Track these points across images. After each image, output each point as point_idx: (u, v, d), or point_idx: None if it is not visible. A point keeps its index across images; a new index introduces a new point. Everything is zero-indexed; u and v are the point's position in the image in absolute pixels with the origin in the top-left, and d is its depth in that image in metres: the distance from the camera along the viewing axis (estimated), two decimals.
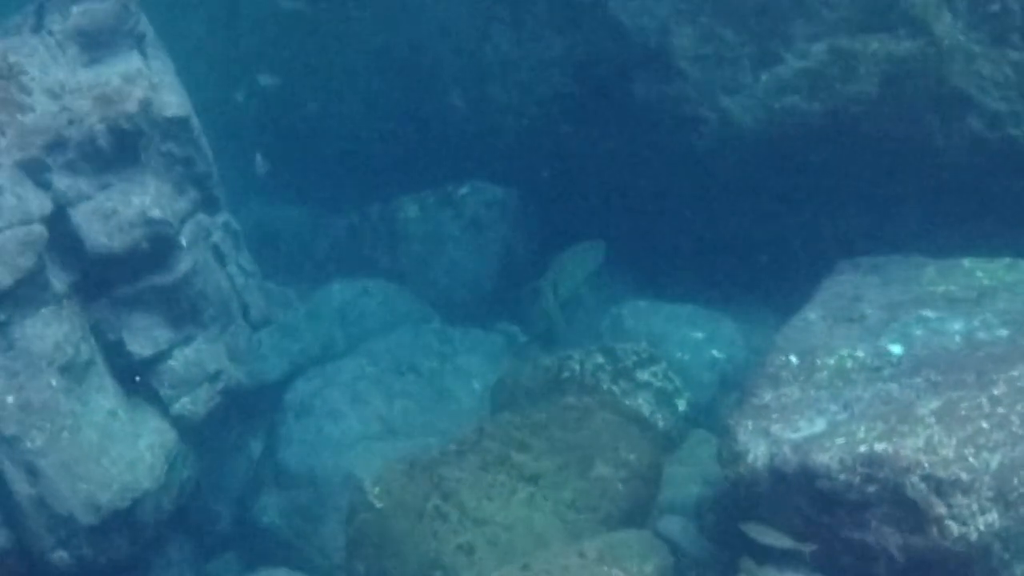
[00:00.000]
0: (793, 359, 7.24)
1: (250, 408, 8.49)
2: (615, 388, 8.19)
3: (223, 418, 8.06)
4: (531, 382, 8.40)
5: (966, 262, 7.99)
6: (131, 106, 7.66)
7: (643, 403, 8.15)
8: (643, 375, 8.27)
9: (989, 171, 8.18)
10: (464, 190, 10.31)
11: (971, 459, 6.04)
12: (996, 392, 6.42)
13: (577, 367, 8.32)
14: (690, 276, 9.52)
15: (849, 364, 7.11)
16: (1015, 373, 6.56)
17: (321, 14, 10.62)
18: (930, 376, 6.80)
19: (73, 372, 7.31)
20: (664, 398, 8.21)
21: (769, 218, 9.12)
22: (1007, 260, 7.93)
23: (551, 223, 10.20)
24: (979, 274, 7.87)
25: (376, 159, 10.71)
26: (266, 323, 8.73)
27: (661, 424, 8.11)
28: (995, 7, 7.91)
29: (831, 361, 7.15)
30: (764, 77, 8.60)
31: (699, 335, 8.96)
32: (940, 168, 8.26)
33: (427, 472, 6.81)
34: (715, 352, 8.89)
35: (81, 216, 7.61)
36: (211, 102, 9.56)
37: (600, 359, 8.33)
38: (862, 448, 6.16)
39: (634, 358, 8.33)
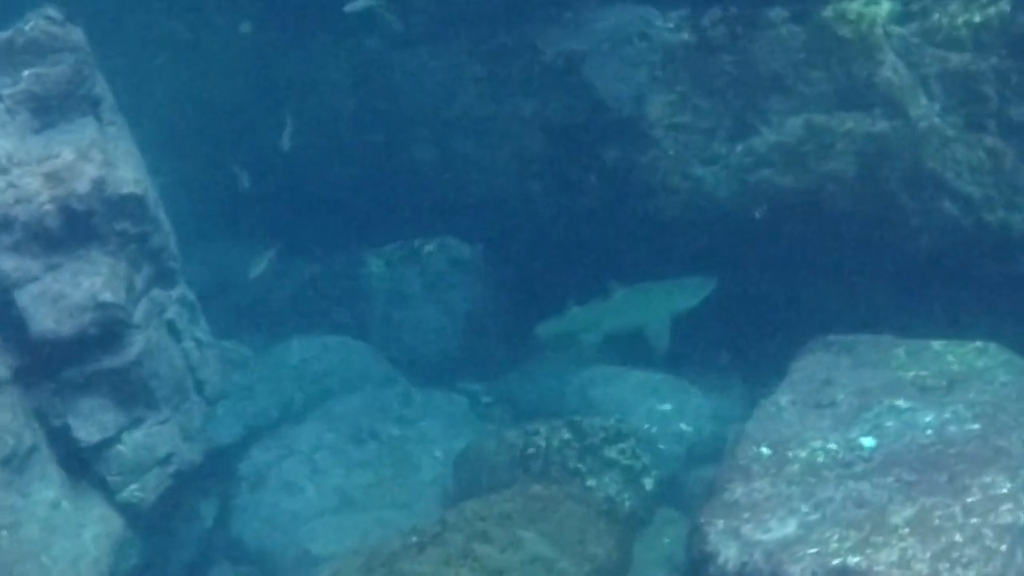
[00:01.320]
0: (764, 450, 7.14)
1: (204, 473, 8.26)
2: (581, 466, 8.05)
3: (175, 500, 7.80)
4: (495, 457, 8.25)
5: (936, 345, 7.92)
6: (83, 186, 7.26)
7: (610, 482, 8.02)
8: (610, 452, 8.13)
9: (962, 254, 8.09)
10: (430, 247, 10.16)
11: (946, 575, 5.93)
12: (970, 500, 6.32)
13: (543, 443, 8.17)
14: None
15: (821, 458, 7.02)
16: (987, 479, 6.47)
17: (292, 60, 10.41)
18: (902, 475, 6.71)
19: (14, 463, 6.94)
20: (631, 477, 8.08)
21: (740, 289, 9.00)
22: (977, 344, 7.87)
23: (519, 283, 10.06)
24: (950, 358, 7.80)
25: (343, 209, 10.52)
26: (222, 396, 8.49)
27: (628, 504, 7.98)
28: (971, 92, 7.81)
29: (803, 454, 7.06)
30: (739, 149, 8.51)
31: (667, 407, 8.85)
32: (914, 249, 8.17)
33: (386, 567, 6.62)
34: (683, 425, 8.78)
35: (27, 299, 7.21)
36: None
37: (567, 435, 8.19)
38: (835, 561, 6.06)
39: (602, 435, 8.19)
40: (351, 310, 10.29)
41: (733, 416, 8.93)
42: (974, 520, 6.18)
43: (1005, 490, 6.37)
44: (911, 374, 7.67)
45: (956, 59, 7.85)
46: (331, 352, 9.84)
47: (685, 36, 8.48)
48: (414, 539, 6.81)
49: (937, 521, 6.20)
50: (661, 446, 8.57)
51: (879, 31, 7.90)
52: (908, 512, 6.30)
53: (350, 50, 10.23)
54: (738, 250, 8.76)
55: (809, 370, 7.88)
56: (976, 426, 7.03)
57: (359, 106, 10.32)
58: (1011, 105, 7.76)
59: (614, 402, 8.92)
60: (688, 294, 8.59)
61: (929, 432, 7.06)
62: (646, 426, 8.70)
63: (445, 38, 9.58)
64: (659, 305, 8.62)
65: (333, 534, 8.07)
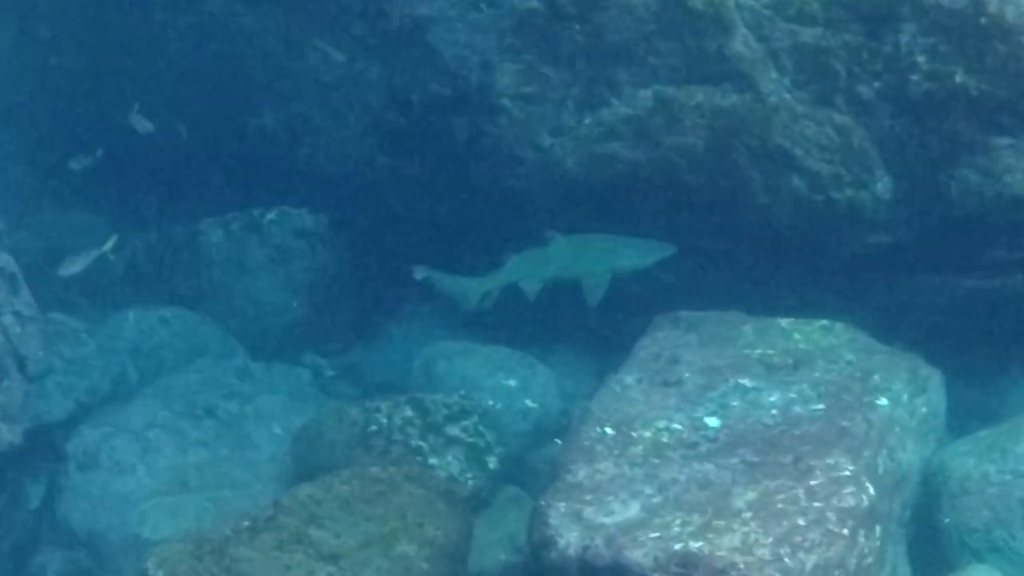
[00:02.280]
0: (608, 431, 7.00)
1: (28, 453, 7.87)
2: (424, 445, 7.87)
3: None
4: (335, 435, 8.02)
5: (783, 322, 7.86)
6: None
7: (452, 461, 7.85)
8: (453, 430, 7.96)
9: (811, 232, 8.03)
10: (271, 216, 9.83)
11: (787, 560, 5.87)
12: (813, 483, 6.26)
13: (385, 420, 7.97)
14: (507, 318, 9.21)
15: (665, 438, 6.90)
16: (831, 461, 6.42)
17: (129, 20, 9.98)
18: (747, 456, 6.63)
19: None
20: (474, 455, 7.92)
21: None
22: (824, 322, 7.82)
23: (365, 254, 9.79)
24: (796, 336, 7.74)
25: (182, 176, 10.14)
26: (47, 373, 8.09)
27: (471, 483, 7.83)
28: (821, 67, 7.74)
29: (647, 434, 6.94)
30: (588, 120, 8.34)
31: (512, 383, 8.68)
32: (763, 226, 8.09)
33: (216, 552, 6.35)
34: (529, 402, 8.63)
35: None
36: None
37: (409, 412, 8.00)
38: (677, 546, 5.93)
39: (445, 412, 8.02)
40: (190, 281, 9.91)
41: (581, 393, 8.82)
42: (817, 503, 6.12)
43: (848, 472, 6.33)
44: (757, 352, 7.60)
45: (807, 33, 7.76)
46: (168, 325, 9.48)
47: (535, 3, 8.25)
48: (246, 523, 6.56)
49: (780, 504, 6.12)
50: (506, 423, 8.38)
51: (731, 3, 7.78)
52: (751, 495, 6.22)
53: (190, 10, 9.81)
54: (588, 223, 8.60)
55: (656, 347, 7.76)
56: (821, 406, 6.98)
57: (199, 69, 9.93)
58: (860, 82, 7.70)
59: (460, 378, 8.71)
60: (637, 254, 8.28)
61: (774, 412, 6.99)
62: (491, 403, 8.52)
63: None
64: (602, 258, 8.31)
65: (165, 517, 7.77)
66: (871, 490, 6.28)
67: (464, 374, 8.73)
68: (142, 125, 9.10)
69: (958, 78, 7.47)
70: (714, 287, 8.36)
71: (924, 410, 7.35)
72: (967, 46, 7.41)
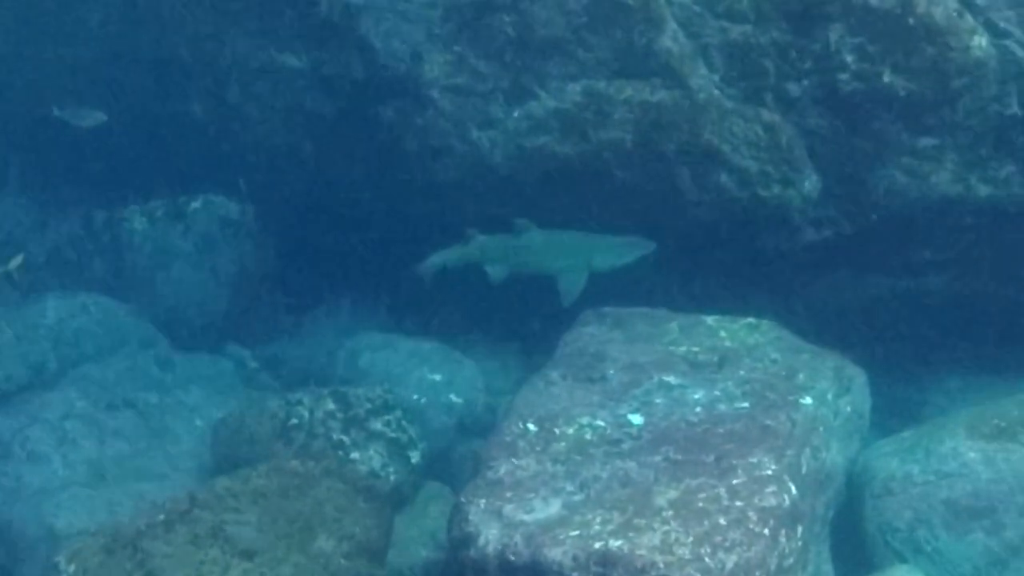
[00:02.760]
0: (531, 427, 6.94)
1: None
2: (345, 439, 7.77)
3: None
4: (256, 428, 7.91)
5: (710, 320, 7.85)
6: None
7: (374, 456, 7.76)
8: (376, 424, 7.87)
9: (738, 229, 8.02)
10: (196, 204, 9.67)
11: (707, 559, 5.83)
12: (735, 482, 6.23)
13: (306, 414, 7.86)
14: (433, 310, 9.14)
15: (588, 435, 6.85)
16: (754, 460, 6.40)
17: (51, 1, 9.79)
18: (670, 454, 6.59)
19: None
20: (397, 450, 7.83)
21: None
22: (750, 320, 7.83)
23: (292, 245, 9.66)
24: (722, 334, 7.73)
25: (105, 162, 9.95)
26: None
27: (392, 479, 7.75)
28: (750, 64, 7.71)
29: (570, 431, 6.89)
30: (517, 113, 8.27)
31: (437, 377, 8.60)
32: (691, 222, 8.06)
33: (129, 547, 6.23)
34: (453, 396, 8.54)
35: None
36: None
37: (331, 405, 7.90)
38: (597, 545, 5.88)
39: (367, 405, 7.92)
40: (112, 269, 9.74)
41: (507, 388, 8.76)
42: (739, 503, 6.10)
43: (770, 471, 6.31)
44: (683, 349, 7.58)
45: (737, 30, 7.74)
46: (89, 313, 9.31)
47: None
48: (161, 517, 6.43)
49: (701, 503, 6.09)
50: (430, 418, 8.30)
51: None
52: (672, 493, 6.18)
53: None
54: (516, 216, 8.52)
55: (581, 343, 7.71)
56: (745, 404, 6.96)
57: (124, 53, 9.75)
58: (789, 80, 7.69)
59: (383, 371, 8.63)
60: (615, 252, 8.03)
61: (698, 410, 6.97)
62: (415, 397, 8.44)
63: None
64: (578, 255, 8.06)
65: (80, 509, 7.59)
66: (793, 490, 6.26)
67: (388, 367, 8.64)
68: (84, 118, 8.90)
69: (886, 78, 7.48)
70: (642, 283, 8.30)
71: (848, 409, 7.35)
72: (895, 46, 7.42)
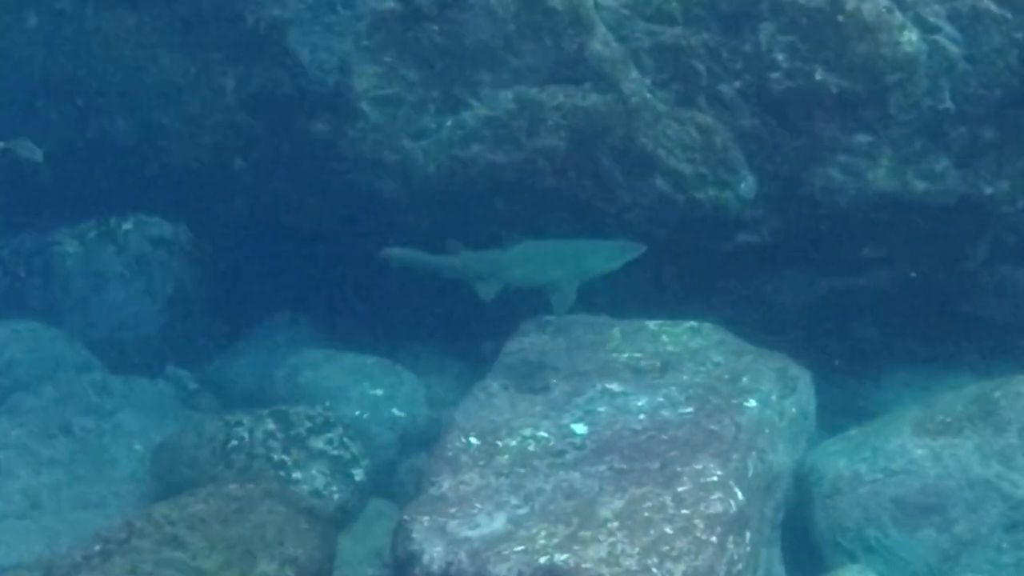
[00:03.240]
0: (473, 440, 6.86)
1: None
2: (287, 459, 7.65)
3: None
4: (196, 451, 7.76)
5: (651, 325, 7.82)
6: None
7: (317, 475, 7.64)
8: (317, 443, 7.75)
9: (676, 233, 7.96)
10: (128, 225, 9.52)
11: (655, 569, 5.78)
12: (680, 489, 6.18)
13: (246, 435, 7.73)
14: (373, 324, 9.04)
15: (531, 447, 6.78)
16: (699, 466, 6.35)
17: None
18: (614, 463, 6.54)
19: None
20: (340, 468, 7.71)
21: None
22: (692, 324, 7.80)
23: (227, 264, 9.52)
24: (664, 339, 7.70)
25: (33, 183, 9.76)
26: None
27: (336, 497, 7.61)
28: (682, 67, 7.66)
29: (513, 443, 6.82)
30: (449, 123, 8.18)
31: (379, 392, 8.50)
32: (628, 227, 7.99)
33: None
34: (396, 411, 8.45)
35: None
36: None
37: (271, 425, 7.77)
38: (542, 559, 5.81)
39: (308, 424, 7.80)
40: (44, 293, 9.55)
41: (449, 400, 8.66)
42: (684, 510, 6.05)
43: (715, 478, 6.26)
44: (625, 356, 7.54)
45: (668, 33, 7.69)
46: (21, 339, 9.14)
47: (391, 4, 8.07)
48: (97, 547, 6.28)
49: (647, 513, 6.03)
50: (373, 434, 8.20)
51: (589, 3, 7.68)
52: (618, 504, 6.12)
53: (39, 9, 9.46)
54: (453, 228, 8.43)
55: (522, 353, 7.65)
56: (689, 410, 6.92)
57: (50, 71, 9.58)
58: (722, 81, 7.65)
59: (324, 387, 8.51)
60: (604, 257, 7.58)
61: (642, 417, 6.92)
62: (357, 412, 8.34)
63: None
64: (568, 264, 7.58)
65: (15, 541, 7.42)
66: (739, 495, 6.21)
67: (329, 384, 8.53)
68: (34, 151, 8.70)
69: (818, 76, 7.45)
70: (582, 289, 8.21)
71: (794, 410, 7.33)
72: (826, 44, 7.39)
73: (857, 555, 7.06)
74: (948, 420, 7.23)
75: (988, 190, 7.63)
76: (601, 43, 7.76)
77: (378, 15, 8.14)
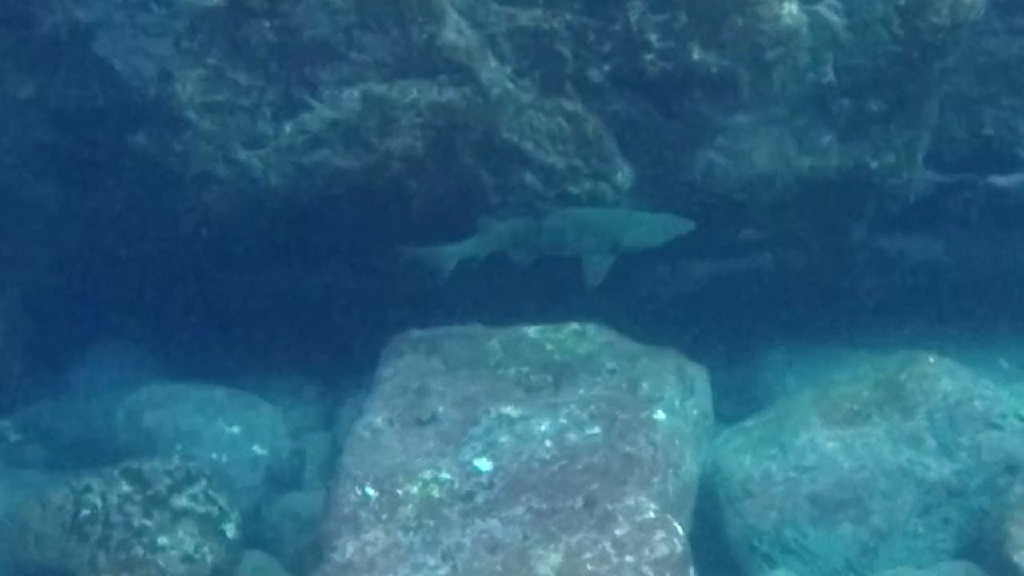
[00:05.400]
0: (370, 491, 6.21)
1: None
2: (148, 523, 6.85)
3: None
4: (42, 527, 6.89)
5: (531, 332, 7.29)
6: None
7: (185, 537, 6.86)
8: (181, 500, 6.97)
9: None
10: None
11: None
12: (619, 533, 5.68)
13: (98, 501, 6.90)
14: (218, 352, 8.25)
15: (435, 492, 6.18)
16: (630, 502, 5.86)
17: None
18: (532, 502, 6.01)
19: None
20: (209, 526, 6.96)
21: (307, 282, 8.07)
22: (574, 326, 7.32)
23: (42, 299, 8.54)
24: (549, 347, 7.19)
25: None
26: None
27: (209, 559, 6.87)
28: (545, 52, 7.07)
29: (414, 489, 6.20)
30: (289, 128, 7.40)
31: (235, 429, 7.73)
32: None
33: None
34: (257, 448, 7.70)
35: None
36: None
37: (126, 487, 6.96)
38: None
39: (167, 480, 7.01)
40: None
41: (310, 426, 8.00)
42: (629, 558, 5.55)
43: (652, 514, 5.80)
44: (512, 371, 7.00)
45: (526, 16, 7.08)
46: None
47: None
48: None
49: (590, 566, 5.50)
50: (236, 478, 7.45)
51: None
52: (555, 558, 5.56)
53: None
54: (304, 242, 7.73)
55: (399, 378, 6.99)
56: (596, 430, 6.43)
57: None
58: (590, 66, 7.09)
59: (173, 429, 7.71)
60: (647, 230, 7.15)
61: (548, 444, 6.39)
62: (214, 455, 7.56)
63: None
64: (607, 234, 7.16)
65: None
66: (679, 530, 5.74)
67: (178, 425, 7.72)
68: None
69: (695, 55, 6.97)
70: (451, 296, 7.62)
71: (695, 412, 6.96)
72: (702, 21, 6.91)
73: (775, 558, 6.78)
74: (855, 408, 7.04)
75: (874, 164, 7.30)
76: (454, 31, 7.10)
77: (199, 12, 7.27)
